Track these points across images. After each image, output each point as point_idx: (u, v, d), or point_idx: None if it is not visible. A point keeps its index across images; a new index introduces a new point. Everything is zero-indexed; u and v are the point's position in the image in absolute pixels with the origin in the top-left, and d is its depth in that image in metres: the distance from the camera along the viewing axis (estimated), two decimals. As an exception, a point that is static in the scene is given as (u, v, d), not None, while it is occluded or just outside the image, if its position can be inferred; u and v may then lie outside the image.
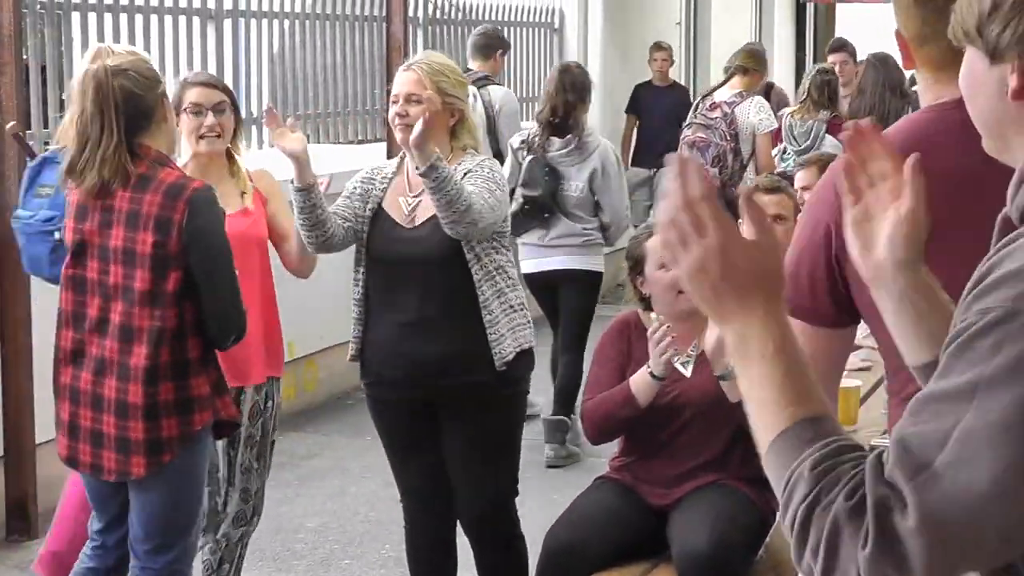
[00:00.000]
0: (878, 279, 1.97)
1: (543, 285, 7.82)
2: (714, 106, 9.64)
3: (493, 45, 9.21)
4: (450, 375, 4.86)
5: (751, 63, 9.96)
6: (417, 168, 4.66)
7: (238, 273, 4.70)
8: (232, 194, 5.16)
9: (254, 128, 9.23)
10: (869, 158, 1.98)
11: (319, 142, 10.05)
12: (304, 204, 4.78)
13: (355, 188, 4.99)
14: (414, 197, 4.90)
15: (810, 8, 20.00)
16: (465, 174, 4.81)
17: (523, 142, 7.84)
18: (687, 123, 9.80)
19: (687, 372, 4.71)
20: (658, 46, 12.83)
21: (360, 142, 10.48)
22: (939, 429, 1.55)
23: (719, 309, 1.75)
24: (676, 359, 4.67)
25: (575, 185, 7.66)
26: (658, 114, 12.17)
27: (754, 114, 9.54)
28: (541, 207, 7.65)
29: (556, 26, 12.91)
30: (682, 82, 15.16)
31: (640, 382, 4.75)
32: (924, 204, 1.90)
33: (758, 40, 17.60)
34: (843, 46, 11.31)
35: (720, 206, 1.76)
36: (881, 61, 9.60)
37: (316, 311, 8.36)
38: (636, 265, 4.98)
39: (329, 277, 8.81)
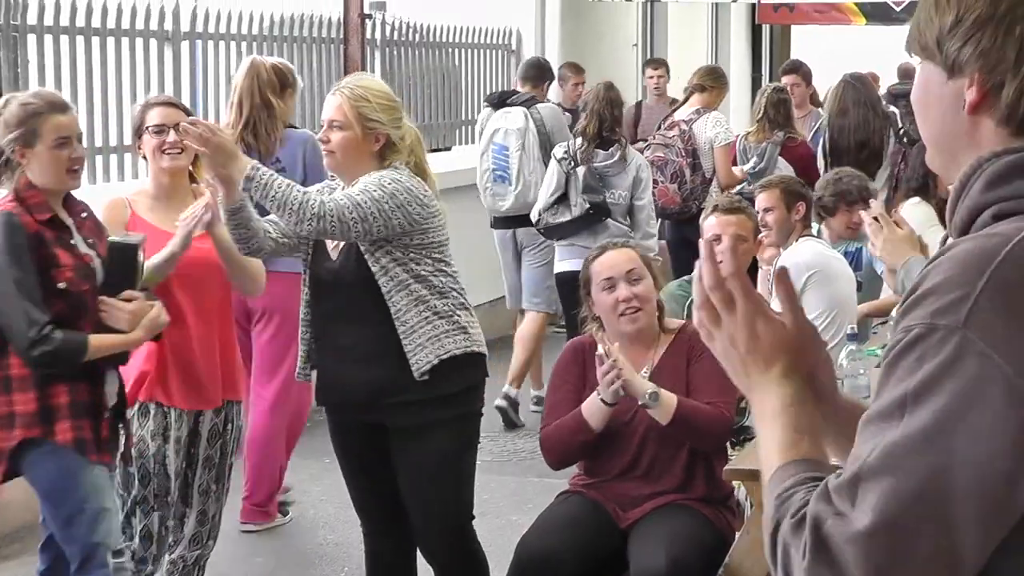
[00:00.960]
0: None
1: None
2: (672, 124, 9.80)
3: (543, 76, 10.25)
4: (384, 397, 4.84)
5: (709, 80, 10.08)
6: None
7: (198, 296, 4.83)
8: None
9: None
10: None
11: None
12: (230, 221, 4.79)
13: None
14: None
15: (766, 29, 20.11)
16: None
17: (566, 152, 8.55)
18: (647, 144, 9.89)
19: (652, 406, 4.71)
20: (573, 67, 11.97)
21: (318, 163, 10.48)
22: (874, 445, 1.62)
23: (746, 381, 1.88)
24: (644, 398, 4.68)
25: (618, 193, 8.50)
26: None
27: (711, 128, 9.72)
28: (603, 210, 8.44)
29: (513, 48, 12.94)
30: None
31: (592, 408, 4.77)
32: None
33: (715, 61, 17.70)
34: (797, 68, 11.40)
35: (748, 283, 1.87)
36: (859, 80, 9.67)
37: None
38: (587, 286, 5.01)
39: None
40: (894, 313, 1.72)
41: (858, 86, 9.57)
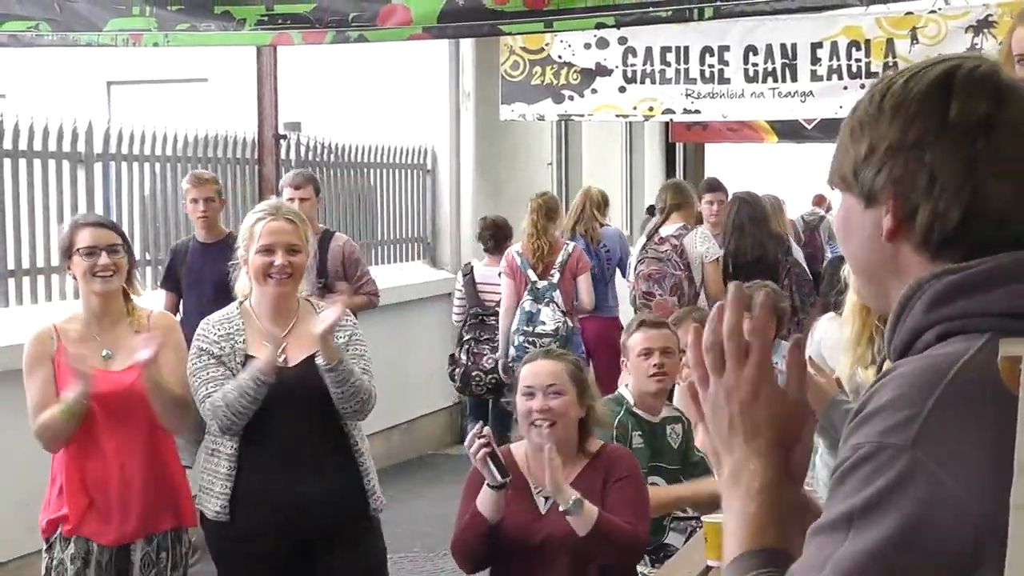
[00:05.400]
0: None
1: None
2: (662, 240, 9.92)
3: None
4: (330, 512, 4.86)
5: (680, 198, 10.21)
6: (322, 362, 4.76)
7: (120, 429, 4.86)
8: (128, 336, 5.08)
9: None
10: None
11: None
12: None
13: (219, 350, 4.94)
14: (283, 337, 4.90)
15: (679, 148, 20.34)
16: (350, 338, 4.91)
17: None
18: (639, 258, 9.97)
19: (543, 507, 4.70)
20: (197, 178, 8.70)
21: (233, 284, 10.41)
22: (819, 557, 1.61)
23: (728, 441, 1.84)
24: (536, 491, 4.66)
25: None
26: (210, 280, 7.88)
27: (700, 244, 9.93)
28: None
29: (428, 167, 12.96)
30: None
31: (483, 497, 4.70)
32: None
33: (629, 179, 17.85)
34: (719, 187, 11.50)
35: (769, 347, 1.84)
36: (751, 199, 9.87)
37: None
38: (513, 388, 4.98)
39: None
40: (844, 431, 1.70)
41: (751, 202, 9.83)
